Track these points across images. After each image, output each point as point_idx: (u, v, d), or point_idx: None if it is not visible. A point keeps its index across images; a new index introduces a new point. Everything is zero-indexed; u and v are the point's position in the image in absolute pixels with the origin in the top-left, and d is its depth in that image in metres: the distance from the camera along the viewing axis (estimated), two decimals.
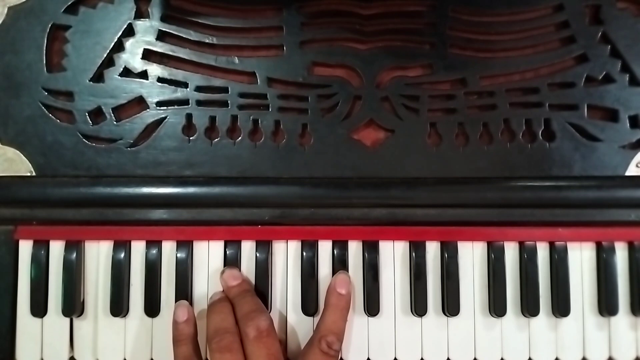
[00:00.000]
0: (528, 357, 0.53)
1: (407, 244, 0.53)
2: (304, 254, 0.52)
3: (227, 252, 0.53)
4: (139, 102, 0.53)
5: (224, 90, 0.53)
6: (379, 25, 0.54)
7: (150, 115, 0.53)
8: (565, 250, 0.53)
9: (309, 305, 0.52)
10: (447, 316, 0.52)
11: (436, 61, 0.54)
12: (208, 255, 0.53)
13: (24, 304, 0.52)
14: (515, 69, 0.54)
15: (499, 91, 0.53)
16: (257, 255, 0.52)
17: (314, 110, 0.53)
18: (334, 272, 0.52)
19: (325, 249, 0.53)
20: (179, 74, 0.53)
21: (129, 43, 0.53)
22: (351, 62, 0.54)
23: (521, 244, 0.53)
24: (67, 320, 0.52)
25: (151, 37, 0.53)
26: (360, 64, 0.54)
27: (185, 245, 0.52)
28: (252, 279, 0.52)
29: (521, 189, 0.52)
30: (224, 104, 0.53)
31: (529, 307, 0.52)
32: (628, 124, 0.53)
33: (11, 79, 0.52)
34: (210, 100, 0.53)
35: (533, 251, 0.53)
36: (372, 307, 0.52)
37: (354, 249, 0.53)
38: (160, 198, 0.52)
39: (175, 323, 0.50)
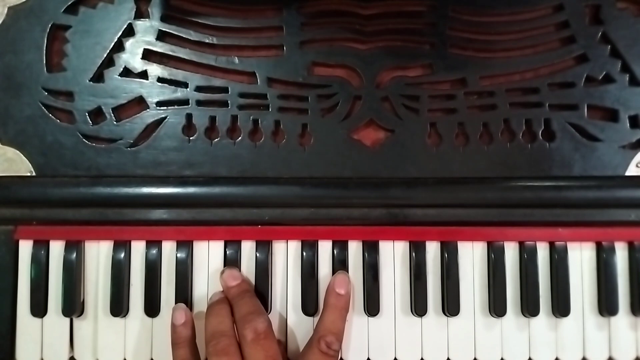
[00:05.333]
0: (528, 357, 0.53)
1: (407, 244, 0.53)
2: (304, 254, 0.52)
3: (227, 252, 0.53)
4: (139, 102, 0.53)
5: (224, 90, 0.53)
6: (379, 25, 0.54)
7: (150, 115, 0.53)
8: (565, 250, 0.53)
9: (309, 305, 0.52)
10: (447, 316, 0.52)
11: (436, 61, 0.54)
12: (208, 255, 0.53)
13: (24, 304, 0.52)
14: (515, 69, 0.54)
15: (499, 91, 0.53)
16: (257, 255, 0.52)
17: (314, 110, 0.53)
18: (333, 272, 0.52)
19: (325, 249, 0.53)
20: (179, 74, 0.53)
21: (129, 43, 0.53)
22: (351, 62, 0.54)
23: (521, 244, 0.53)
24: (67, 320, 0.52)
25: (151, 37, 0.53)
26: (360, 64, 0.54)
27: (185, 245, 0.52)
28: (252, 279, 0.52)
29: (521, 189, 0.52)
30: (224, 104, 0.53)
31: (529, 307, 0.52)
32: (628, 124, 0.53)
33: (11, 79, 0.52)
34: (210, 100, 0.53)
35: (533, 251, 0.53)
36: (372, 307, 0.52)
37: (354, 249, 0.53)
38: (160, 198, 0.52)
39: (173, 326, 0.50)
